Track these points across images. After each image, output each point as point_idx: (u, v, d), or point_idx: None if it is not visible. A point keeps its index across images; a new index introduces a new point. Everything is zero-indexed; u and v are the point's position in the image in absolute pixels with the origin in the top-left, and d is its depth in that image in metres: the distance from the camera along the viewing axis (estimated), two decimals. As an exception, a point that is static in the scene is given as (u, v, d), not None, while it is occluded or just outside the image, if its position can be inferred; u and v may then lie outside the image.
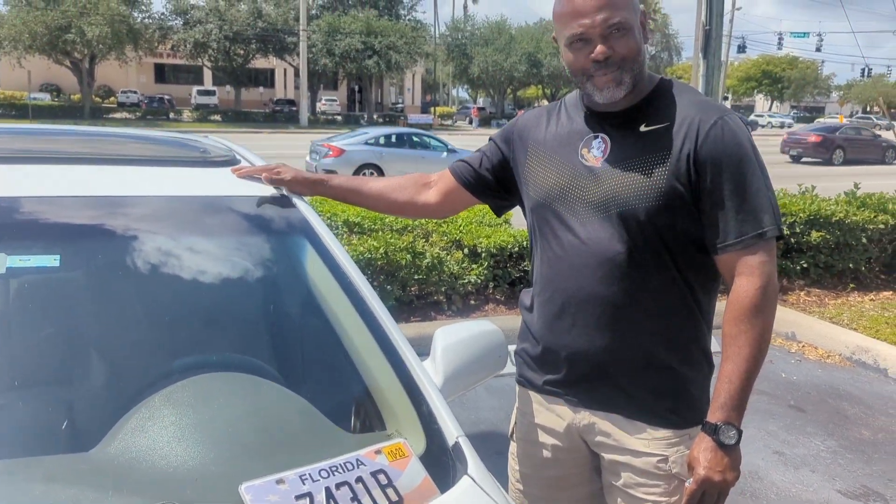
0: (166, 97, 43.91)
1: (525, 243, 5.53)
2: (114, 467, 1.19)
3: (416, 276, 5.15)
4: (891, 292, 6.47)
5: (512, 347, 1.83)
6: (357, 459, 1.21)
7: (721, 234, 1.46)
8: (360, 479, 1.17)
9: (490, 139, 1.78)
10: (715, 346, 1.57)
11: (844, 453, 3.72)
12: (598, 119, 1.55)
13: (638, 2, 1.50)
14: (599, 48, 1.44)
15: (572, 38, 1.46)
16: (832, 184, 9.19)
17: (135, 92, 45.35)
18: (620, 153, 1.50)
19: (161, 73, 53.59)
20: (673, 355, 1.54)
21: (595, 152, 1.53)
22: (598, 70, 1.46)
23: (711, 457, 1.42)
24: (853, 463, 3.62)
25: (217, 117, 37.97)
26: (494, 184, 1.75)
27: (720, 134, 1.44)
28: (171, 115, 38.94)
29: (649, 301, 1.51)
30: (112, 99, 46.90)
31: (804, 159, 25.99)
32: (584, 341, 1.55)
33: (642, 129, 1.50)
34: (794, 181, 7.95)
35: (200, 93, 46.03)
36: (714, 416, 1.44)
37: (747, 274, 1.45)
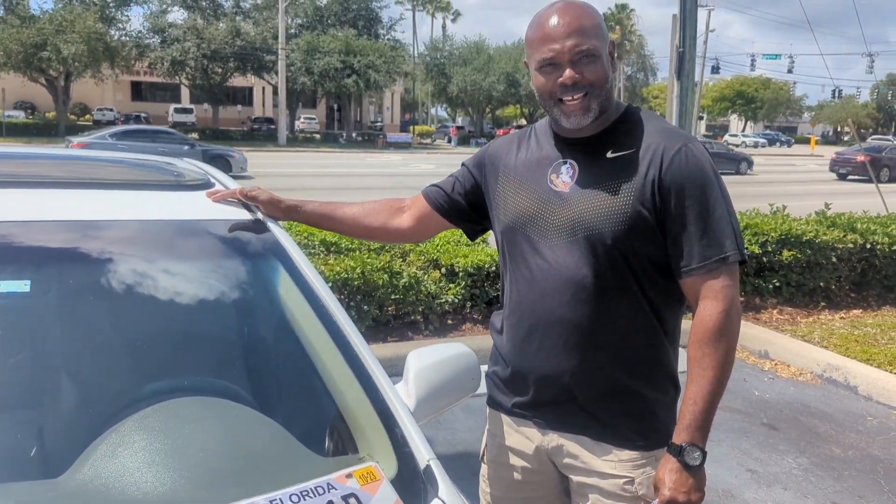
0: (143, 115, 43.64)
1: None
2: (83, 494, 1.18)
3: (393, 296, 5.15)
4: (860, 310, 6.58)
5: (485, 368, 1.85)
6: (328, 483, 1.22)
7: (685, 259, 1.49)
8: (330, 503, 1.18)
9: (462, 164, 1.81)
10: (681, 365, 1.60)
11: (816, 470, 3.77)
12: (566, 145, 1.59)
13: (607, 32, 1.55)
14: (568, 72, 1.48)
15: (542, 62, 1.51)
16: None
17: (111, 109, 45.04)
18: (588, 179, 1.54)
19: (138, 91, 53.32)
20: (638, 378, 1.57)
21: (564, 178, 1.57)
22: (566, 94, 1.50)
23: (676, 478, 1.45)
24: (824, 480, 3.67)
25: (195, 135, 37.73)
26: (467, 208, 1.77)
27: (684, 160, 1.49)
28: (148, 133, 38.62)
29: (615, 324, 1.54)
30: (88, 117, 46.54)
31: (850, 177, 27.24)
32: (551, 364, 1.57)
33: (609, 155, 1.54)
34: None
35: (178, 111, 45.83)
36: (679, 437, 1.47)
37: (711, 297, 1.48)
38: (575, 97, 1.49)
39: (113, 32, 36.81)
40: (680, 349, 1.66)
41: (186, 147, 19.93)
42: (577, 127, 1.54)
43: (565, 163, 1.58)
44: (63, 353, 1.45)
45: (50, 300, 1.52)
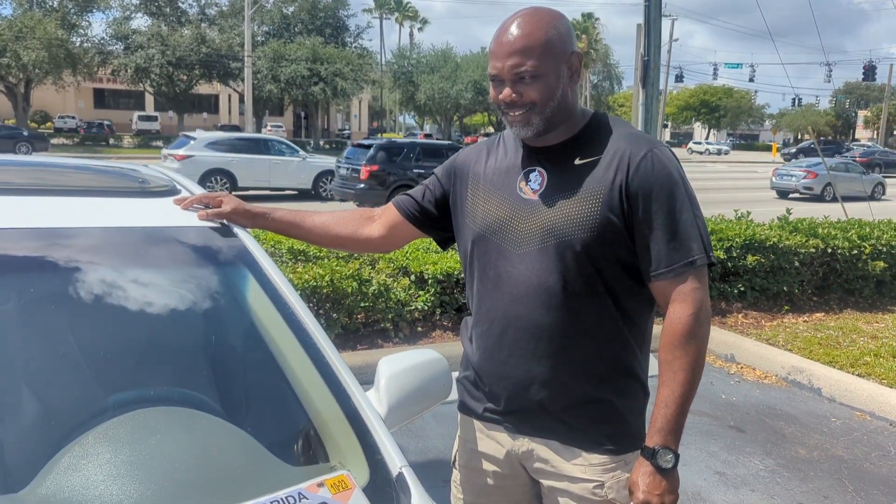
0: (106, 123, 42.92)
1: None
2: None
3: (362, 304, 5.12)
4: (822, 314, 6.71)
5: (456, 374, 1.84)
6: (299, 493, 1.20)
7: (653, 263, 1.50)
8: (301, 513, 1.16)
9: (433, 173, 1.81)
10: (653, 368, 1.61)
11: (782, 472, 3.83)
12: (534, 153, 1.60)
13: (567, 44, 1.53)
14: (506, 91, 1.52)
15: (489, 74, 1.55)
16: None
17: (73, 117, 44.25)
18: (556, 186, 1.55)
19: (101, 98, 52.52)
20: (608, 384, 1.58)
21: (532, 185, 1.57)
22: (507, 109, 1.53)
23: (650, 481, 1.46)
24: (790, 481, 3.72)
25: (159, 143, 37.23)
26: (438, 217, 1.77)
27: (650, 166, 1.50)
28: (111, 141, 38.01)
29: (585, 330, 1.54)
30: (49, 124, 45.67)
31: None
32: (521, 370, 1.57)
33: (576, 162, 1.55)
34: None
35: (142, 118, 45.23)
36: (652, 440, 1.47)
37: (680, 301, 1.49)
38: (515, 113, 1.52)
39: (74, 39, 36.17)
40: (651, 354, 1.67)
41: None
42: (523, 138, 1.58)
43: (534, 170, 1.58)
44: (25, 364, 1.41)
45: (11, 310, 1.48)
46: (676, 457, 1.47)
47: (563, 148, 1.57)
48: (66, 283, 1.51)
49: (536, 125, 1.53)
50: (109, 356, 1.47)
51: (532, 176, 1.58)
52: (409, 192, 1.82)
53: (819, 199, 22.34)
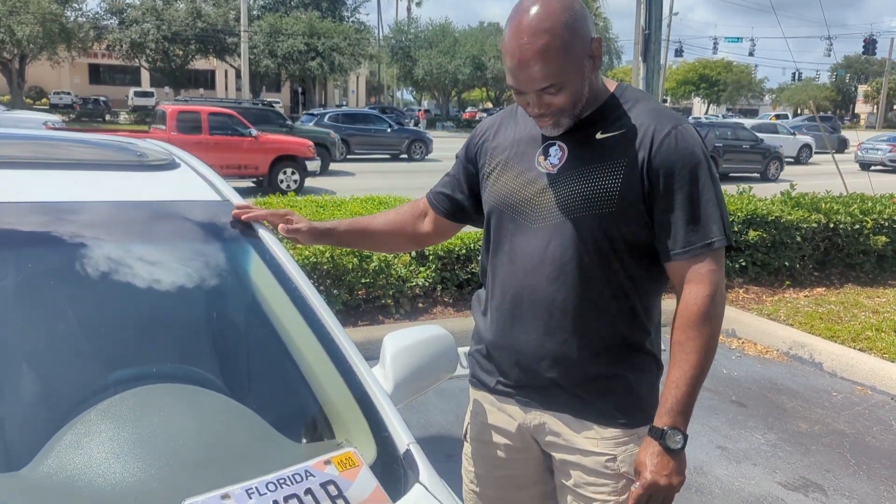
0: (102, 99, 42.60)
1: (473, 245, 5.53)
2: (47, 486, 1.13)
3: (363, 280, 5.10)
4: (823, 288, 6.70)
5: (462, 350, 1.82)
6: (306, 471, 1.18)
7: (671, 242, 1.47)
8: (309, 491, 1.14)
9: (456, 157, 1.78)
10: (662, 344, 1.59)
11: (784, 446, 3.83)
12: None
13: (586, 33, 1.43)
14: (532, 108, 1.46)
15: (511, 83, 1.46)
16: None
17: (68, 93, 43.90)
18: (576, 160, 1.51)
19: (96, 74, 52.07)
20: (621, 358, 1.55)
21: (552, 159, 1.53)
22: (534, 117, 1.50)
23: (658, 461, 1.44)
24: (792, 455, 3.73)
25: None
26: (473, 206, 1.75)
27: (674, 143, 1.46)
28: (107, 117, 37.72)
29: (600, 305, 1.52)
30: (44, 100, 45.31)
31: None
32: (535, 343, 1.55)
33: (598, 136, 1.50)
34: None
35: (138, 94, 44.82)
36: (661, 420, 1.46)
37: (696, 282, 1.46)
38: (544, 120, 1.48)
39: (69, 13, 35.77)
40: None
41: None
42: (551, 136, 1.53)
43: (553, 144, 1.54)
44: (25, 341, 1.38)
45: (10, 285, 1.45)
46: (685, 438, 1.45)
47: (585, 122, 1.52)
48: (66, 258, 1.48)
49: (566, 124, 1.49)
50: (111, 332, 1.45)
51: (552, 150, 1.54)
52: (440, 187, 1.80)
53: None
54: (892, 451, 3.81)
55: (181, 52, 39.16)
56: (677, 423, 1.45)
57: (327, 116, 22.14)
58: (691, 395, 1.46)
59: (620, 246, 1.50)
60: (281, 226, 1.69)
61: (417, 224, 1.82)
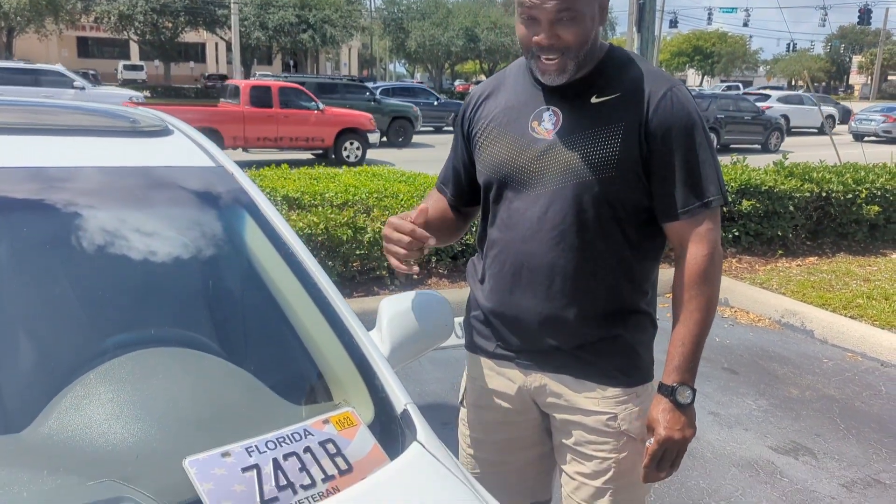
0: (91, 72, 42.01)
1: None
2: (48, 447, 1.14)
3: (357, 252, 5.11)
4: (815, 257, 6.75)
5: (457, 319, 1.83)
6: (304, 430, 1.19)
7: (670, 204, 1.49)
8: (308, 450, 1.15)
9: (453, 139, 1.76)
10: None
11: (775, 411, 3.89)
12: (548, 91, 1.54)
13: None
14: (544, 35, 1.43)
15: (522, 10, 1.44)
16: None
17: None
18: (572, 125, 1.50)
19: (84, 47, 51.45)
20: (621, 321, 1.58)
21: (546, 125, 1.53)
22: (542, 53, 1.45)
23: (670, 417, 1.48)
24: (783, 420, 3.78)
25: (146, 93, 36.59)
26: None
27: (669, 105, 1.46)
28: (97, 91, 37.23)
29: (599, 268, 1.53)
30: (32, 74, 44.74)
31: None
32: (537, 309, 1.56)
33: (593, 100, 1.50)
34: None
35: (127, 67, 44.37)
36: (669, 378, 1.49)
37: (696, 242, 1.49)
38: (551, 57, 1.45)
39: (55, -16, 35.21)
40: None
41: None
42: (552, 84, 1.50)
43: (547, 109, 1.54)
44: (21, 306, 1.38)
45: (4, 251, 1.45)
46: (694, 392, 1.49)
47: (580, 85, 1.51)
48: (61, 224, 1.47)
49: (571, 71, 1.47)
50: (109, 298, 1.45)
51: (546, 115, 1.53)
52: (444, 176, 1.78)
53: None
54: (880, 416, 3.87)
55: (170, 25, 38.64)
56: (686, 379, 1.49)
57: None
58: (697, 352, 1.49)
59: (620, 209, 1.50)
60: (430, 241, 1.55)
61: (448, 214, 1.79)
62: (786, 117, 25.48)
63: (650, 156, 1.47)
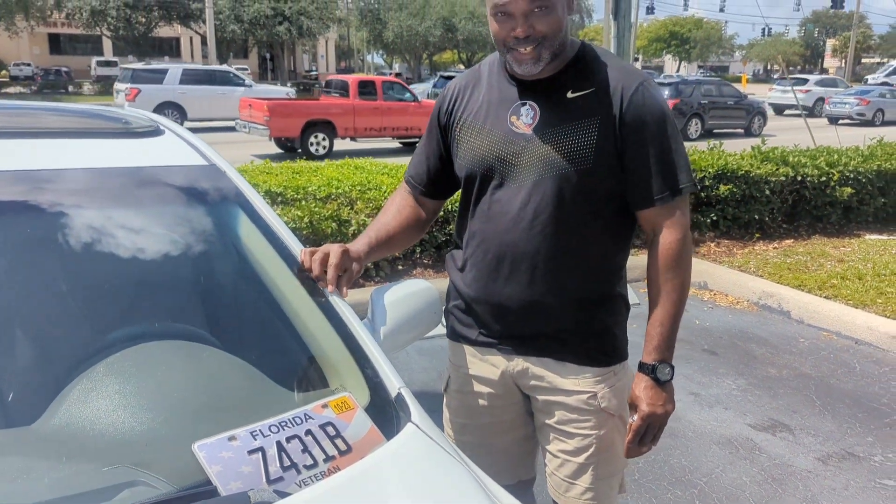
0: (64, 69, 41.51)
1: (450, 207, 5.59)
2: (60, 438, 1.19)
3: (342, 244, 5.14)
4: (792, 240, 6.89)
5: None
6: (305, 414, 1.26)
7: (645, 192, 1.56)
8: (309, 432, 1.22)
9: (426, 132, 1.80)
10: (633, 298, 1.68)
11: (753, 390, 4.00)
12: (524, 86, 1.60)
13: None
14: (521, 27, 1.48)
15: (495, 8, 1.50)
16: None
17: (28, 64, 42.78)
18: (549, 119, 1.57)
19: (56, 44, 50.73)
20: (599, 305, 1.66)
21: (525, 119, 1.59)
22: (518, 45, 1.51)
23: (652, 394, 1.56)
24: (761, 398, 3.90)
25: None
26: (451, 173, 1.76)
27: (642, 98, 1.54)
28: (70, 88, 36.75)
29: (578, 255, 1.61)
30: (3, 73, 44.10)
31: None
32: (519, 294, 1.63)
33: (569, 95, 1.57)
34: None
35: (101, 64, 43.72)
36: (650, 357, 1.57)
37: (669, 227, 1.57)
38: (527, 49, 1.50)
39: (25, -19, 34.64)
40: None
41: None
42: (529, 74, 1.56)
43: (525, 104, 1.60)
44: (25, 304, 1.43)
45: (4, 251, 1.49)
46: (672, 369, 1.58)
47: (555, 81, 1.58)
48: (59, 226, 1.52)
49: (546, 59, 1.52)
50: (109, 295, 1.50)
51: (523, 110, 1.60)
52: (416, 170, 1.82)
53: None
54: (854, 392, 4.00)
55: (144, 20, 38.23)
56: (665, 357, 1.58)
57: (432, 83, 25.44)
58: (674, 331, 1.59)
59: (596, 199, 1.58)
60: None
61: (417, 211, 1.83)
62: (822, 99, 27.80)
63: (624, 147, 1.55)
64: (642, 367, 1.59)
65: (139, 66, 21.41)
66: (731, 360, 4.43)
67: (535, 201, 1.57)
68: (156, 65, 22.01)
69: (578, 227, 1.59)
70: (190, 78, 19.66)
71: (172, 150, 1.80)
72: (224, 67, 22.84)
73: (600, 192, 1.58)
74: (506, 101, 1.62)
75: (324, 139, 14.92)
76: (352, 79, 15.93)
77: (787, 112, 27.68)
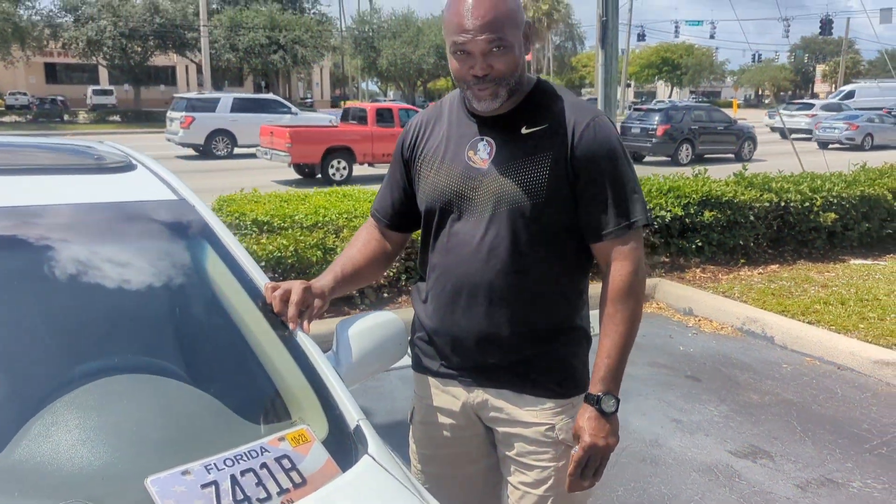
0: (59, 98, 41.81)
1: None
2: (19, 472, 1.21)
3: (328, 272, 5.17)
4: (777, 265, 6.94)
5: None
6: (261, 447, 1.28)
7: (598, 225, 1.60)
8: (264, 465, 1.24)
9: (391, 166, 1.85)
10: (596, 329, 1.71)
11: (735, 416, 4.02)
12: (483, 122, 1.65)
13: (522, 13, 1.58)
14: (479, 66, 1.53)
15: (455, 47, 1.55)
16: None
17: (24, 93, 42.98)
18: (505, 155, 1.62)
19: (52, 73, 51.01)
20: (557, 336, 1.69)
21: (481, 154, 1.64)
22: (477, 84, 1.56)
23: (595, 424, 1.57)
24: (742, 425, 3.91)
25: (116, 118, 36.28)
26: (414, 206, 1.80)
27: (593, 134, 1.58)
28: (66, 117, 36.88)
29: (535, 287, 1.64)
30: None
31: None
32: (476, 329, 1.66)
33: (523, 131, 1.62)
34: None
35: (97, 92, 44.02)
36: (595, 388, 1.58)
37: (621, 259, 1.60)
38: (484, 87, 1.55)
39: (22, 12, 34.96)
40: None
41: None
42: (487, 111, 1.61)
43: (482, 139, 1.65)
44: None
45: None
46: (618, 401, 1.59)
47: (510, 117, 1.63)
48: (30, 260, 1.55)
49: (503, 96, 1.57)
50: (75, 329, 1.53)
51: (480, 145, 1.64)
52: (381, 203, 1.86)
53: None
54: (835, 417, 4.02)
55: (140, 49, 38.51)
56: (611, 388, 1.58)
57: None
58: (622, 362, 1.60)
59: (551, 232, 1.62)
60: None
61: (383, 245, 1.87)
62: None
63: (577, 182, 1.59)
64: (588, 398, 1.60)
65: (192, 95, 22.32)
66: (713, 386, 4.45)
67: (492, 234, 1.61)
68: (208, 94, 22.98)
69: (534, 260, 1.62)
70: (240, 106, 21.05)
71: (144, 184, 1.83)
72: (271, 96, 23.96)
73: (555, 226, 1.61)
74: (465, 137, 1.67)
75: (343, 165, 15.34)
76: (370, 107, 16.66)
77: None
